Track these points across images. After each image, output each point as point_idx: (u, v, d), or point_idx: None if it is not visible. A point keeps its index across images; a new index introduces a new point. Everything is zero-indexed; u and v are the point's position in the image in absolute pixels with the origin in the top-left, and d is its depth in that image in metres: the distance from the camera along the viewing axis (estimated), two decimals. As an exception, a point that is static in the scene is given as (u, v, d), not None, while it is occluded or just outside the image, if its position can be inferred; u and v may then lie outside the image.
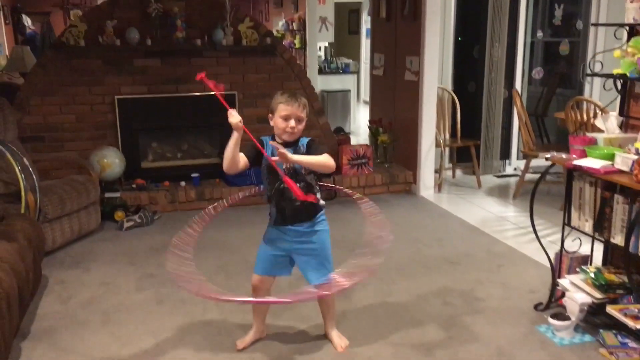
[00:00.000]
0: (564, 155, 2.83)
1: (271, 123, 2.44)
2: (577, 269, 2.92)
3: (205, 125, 5.28)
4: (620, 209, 2.57)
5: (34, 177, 3.80)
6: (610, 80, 2.91)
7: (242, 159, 2.39)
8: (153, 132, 5.23)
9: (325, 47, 9.66)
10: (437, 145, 5.38)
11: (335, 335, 2.69)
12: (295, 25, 9.95)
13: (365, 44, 11.10)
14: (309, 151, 2.40)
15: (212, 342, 2.74)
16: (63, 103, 4.89)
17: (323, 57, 9.47)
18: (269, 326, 2.79)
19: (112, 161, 4.71)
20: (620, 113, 2.96)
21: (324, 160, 2.36)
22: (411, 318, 2.97)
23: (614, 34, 2.94)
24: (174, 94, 5.09)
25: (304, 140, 2.46)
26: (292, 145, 2.41)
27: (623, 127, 2.95)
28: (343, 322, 2.87)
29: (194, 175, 5.03)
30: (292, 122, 2.36)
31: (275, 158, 2.28)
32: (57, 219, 3.86)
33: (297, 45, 9.61)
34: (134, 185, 4.86)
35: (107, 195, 4.59)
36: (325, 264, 2.54)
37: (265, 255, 2.55)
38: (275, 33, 8.99)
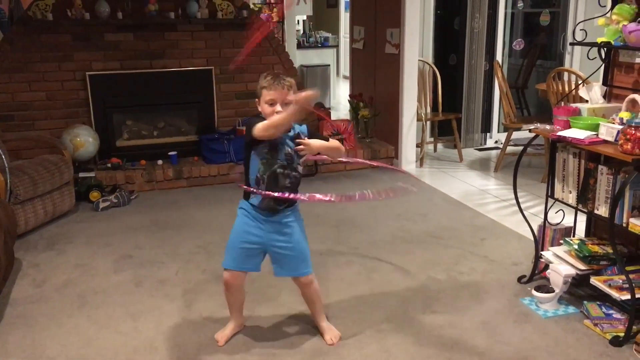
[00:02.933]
0: (547, 127, 2.79)
1: (259, 108, 2.30)
2: (561, 241, 2.91)
3: (181, 102, 5.15)
4: (604, 180, 2.55)
5: (4, 157, 3.66)
6: (594, 49, 2.86)
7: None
8: (127, 109, 5.08)
9: (304, 21, 9.49)
10: (419, 119, 5.32)
11: (325, 327, 2.56)
12: (272, -2, 9.74)
13: (344, 17, 10.94)
14: (313, 138, 2.32)
15: (193, 324, 2.68)
16: (32, 80, 4.71)
17: (302, 31, 9.30)
18: (249, 317, 2.73)
19: (85, 140, 4.57)
20: (604, 82, 2.93)
21: (338, 144, 2.36)
22: (395, 294, 2.94)
23: (598, 2, 2.88)
24: (148, 70, 4.94)
25: (303, 128, 2.33)
26: (285, 132, 2.26)
27: (607, 96, 2.91)
28: (326, 301, 2.82)
29: (172, 153, 4.92)
30: (279, 107, 2.22)
31: (300, 147, 2.24)
32: (29, 201, 3.74)
33: (275, 19, 9.42)
34: (109, 165, 4.74)
35: (82, 175, 4.47)
36: (302, 257, 2.42)
37: (237, 247, 2.38)
38: (251, 6, 8.78)
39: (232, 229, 2.41)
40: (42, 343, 2.53)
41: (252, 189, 2.28)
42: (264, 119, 2.24)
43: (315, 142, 2.29)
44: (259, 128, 2.16)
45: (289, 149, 2.29)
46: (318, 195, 2.21)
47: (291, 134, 2.30)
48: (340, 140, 5.26)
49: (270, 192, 2.24)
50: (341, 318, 2.68)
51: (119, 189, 4.41)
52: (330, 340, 2.50)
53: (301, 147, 2.26)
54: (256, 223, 2.35)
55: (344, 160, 3.10)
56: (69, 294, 2.99)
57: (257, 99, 2.31)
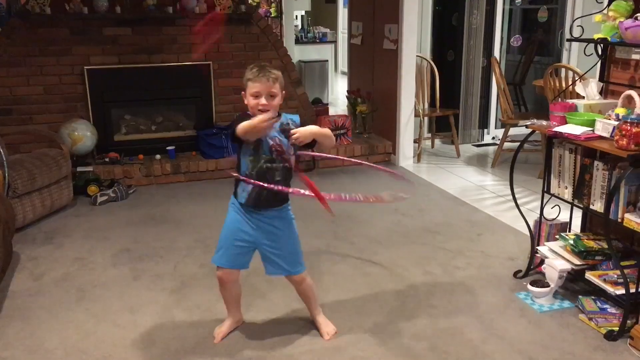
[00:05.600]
0: (544, 123, 2.81)
1: (245, 101, 2.26)
2: (556, 236, 2.93)
3: (179, 96, 5.15)
4: (600, 176, 2.57)
5: (2, 151, 3.66)
6: (591, 46, 2.88)
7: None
8: (125, 104, 5.08)
9: (302, 16, 9.48)
10: (416, 114, 5.33)
11: (322, 321, 2.56)
12: (270, -7, 9.72)
13: (342, 13, 10.94)
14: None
15: (191, 318, 2.70)
16: (30, 74, 4.71)
17: (300, 27, 9.30)
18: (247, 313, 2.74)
19: (83, 134, 4.57)
20: (601, 79, 2.94)
21: (329, 131, 2.33)
22: (392, 289, 2.96)
23: (595, -2, 2.89)
24: (147, 64, 4.94)
25: (295, 117, 2.29)
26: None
27: (603, 93, 2.93)
28: (323, 296, 2.84)
29: (170, 148, 4.93)
30: (263, 100, 2.18)
31: (293, 137, 2.18)
32: (27, 195, 3.74)
33: (273, 14, 9.41)
34: (107, 159, 4.74)
35: (80, 169, 4.47)
36: (293, 257, 2.41)
37: (229, 245, 2.36)
38: (249, 0, 8.76)
39: (223, 225, 2.39)
40: (40, 336, 2.55)
41: (242, 178, 2.25)
42: (250, 117, 2.22)
43: (306, 130, 2.21)
44: (239, 130, 2.12)
45: (277, 141, 2.23)
46: (303, 191, 2.20)
47: (277, 125, 2.24)
48: (341, 135, 5.28)
49: (259, 182, 2.20)
50: (338, 312, 2.70)
51: (117, 184, 4.42)
52: (326, 335, 2.51)
53: (294, 137, 2.19)
54: (247, 220, 2.33)
55: (340, 157, 3.19)
56: (67, 287, 3.00)
57: (242, 92, 2.27)
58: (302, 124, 2.29)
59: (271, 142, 2.22)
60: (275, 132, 2.23)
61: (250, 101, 2.21)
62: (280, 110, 2.29)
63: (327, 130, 2.32)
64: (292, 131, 2.20)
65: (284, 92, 2.27)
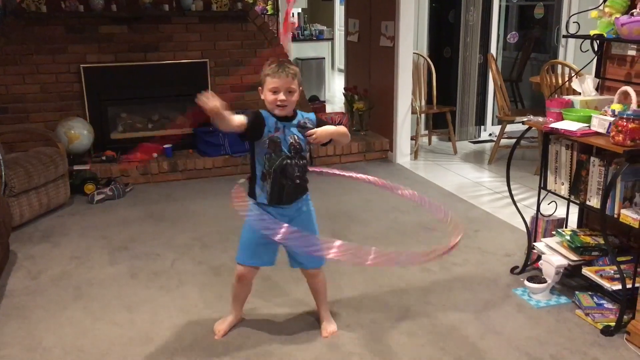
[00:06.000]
0: (540, 119, 2.81)
1: (261, 97, 2.28)
2: (553, 232, 2.94)
3: (176, 94, 5.14)
4: (596, 172, 2.57)
5: (-2, 150, 3.66)
6: (587, 42, 2.88)
7: (239, 120, 2.20)
8: (122, 102, 5.07)
9: (299, 13, 9.47)
10: (413, 112, 5.33)
11: (326, 318, 2.57)
12: (267, -9, 9.70)
13: (339, 10, 10.93)
14: (321, 126, 2.31)
15: (188, 315, 2.70)
16: (26, 73, 4.69)
17: (296, 24, 9.28)
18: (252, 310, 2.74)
19: (80, 132, 4.56)
20: (597, 75, 2.95)
21: (345, 129, 2.37)
22: (389, 285, 2.96)
23: (591, -6, 2.89)
24: (143, 62, 4.93)
25: (311, 116, 2.33)
26: (288, 120, 2.27)
27: (599, 89, 2.93)
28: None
29: (167, 146, 4.92)
30: (282, 95, 2.20)
31: (311, 138, 2.25)
32: (24, 193, 3.74)
33: (270, 11, 9.39)
34: (103, 157, 4.73)
35: (76, 167, 4.47)
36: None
37: (250, 242, 2.37)
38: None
39: (243, 225, 2.38)
40: (37, 334, 2.54)
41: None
42: (257, 113, 2.25)
43: (324, 130, 2.27)
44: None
45: (295, 138, 2.27)
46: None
47: (295, 122, 2.29)
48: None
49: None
50: (335, 309, 2.70)
51: (113, 182, 4.41)
52: (324, 331, 2.52)
53: (312, 137, 2.25)
54: (270, 217, 2.31)
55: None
56: (65, 285, 3.00)
57: (259, 87, 2.28)
58: (321, 122, 2.34)
59: (290, 140, 2.26)
60: (294, 129, 2.28)
61: (268, 96, 2.24)
62: None
63: (343, 129, 2.36)
64: (310, 132, 2.26)
65: (301, 88, 2.30)
